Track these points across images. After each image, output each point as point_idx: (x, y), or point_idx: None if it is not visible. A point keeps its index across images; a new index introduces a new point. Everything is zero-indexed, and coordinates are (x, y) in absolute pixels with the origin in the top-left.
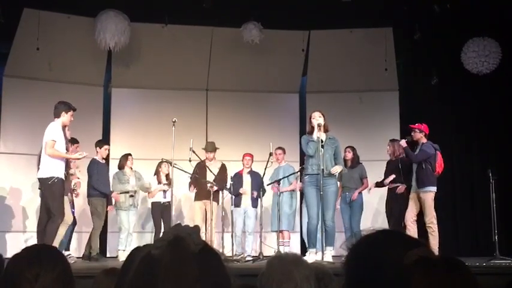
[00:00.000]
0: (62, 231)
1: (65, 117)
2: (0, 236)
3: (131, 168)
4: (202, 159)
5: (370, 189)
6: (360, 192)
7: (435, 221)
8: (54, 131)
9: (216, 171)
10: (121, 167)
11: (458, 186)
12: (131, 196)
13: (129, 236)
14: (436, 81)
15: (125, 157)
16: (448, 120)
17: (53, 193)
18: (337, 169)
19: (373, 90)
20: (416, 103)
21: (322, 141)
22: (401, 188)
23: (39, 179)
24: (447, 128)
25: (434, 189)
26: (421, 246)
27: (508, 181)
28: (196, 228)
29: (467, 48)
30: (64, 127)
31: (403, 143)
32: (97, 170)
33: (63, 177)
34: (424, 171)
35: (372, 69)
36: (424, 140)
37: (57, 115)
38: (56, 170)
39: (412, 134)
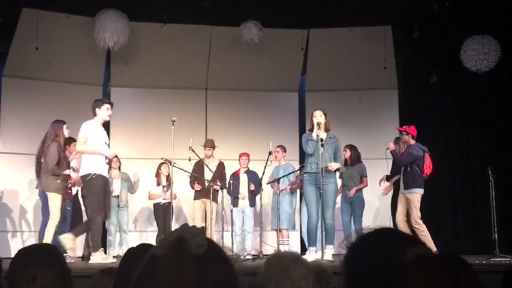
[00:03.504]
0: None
1: (101, 113)
2: None
3: (119, 169)
4: (202, 158)
5: (382, 181)
6: (360, 191)
7: (420, 221)
8: (85, 129)
9: (213, 169)
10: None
11: (458, 184)
12: (116, 197)
13: (123, 234)
14: (435, 79)
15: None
16: (448, 118)
17: (89, 189)
18: (333, 166)
19: (372, 89)
20: (416, 101)
21: (322, 140)
22: (387, 189)
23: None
24: (446, 126)
25: (420, 191)
26: (420, 244)
27: (508, 179)
28: (202, 230)
29: (466, 46)
30: (104, 123)
31: (391, 146)
32: None
33: (103, 174)
34: (410, 173)
35: (371, 68)
36: (412, 142)
37: (94, 114)
38: (94, 167)
39: (399, 136)
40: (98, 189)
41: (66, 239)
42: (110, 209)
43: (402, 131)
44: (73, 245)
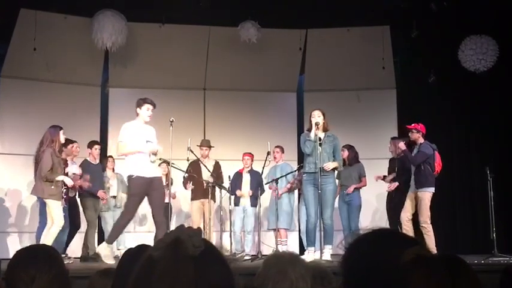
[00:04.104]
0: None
1: (141, 113)
2: None
3: (113, 170)
4: (198, 157)
5: (379, 178)
6: (358, 190)
7: (429, 221)
8: (122, 132)
9: (210, 169)
10: (103, 169)
11: (456, 184)
12: (113, 197)
13: (120, 235)
14: (433, 79)
15: (106, 159)
16: (446, 118)
17: (128, 191)
18: (329, 165)
19: (370, 89)
20: (414, 101)
21: (320, 139)
22: (392, 186)
23: None
24: (445, 126)
25: (432, 189)
26: (418, 245)
27: (507, 178)
28: (198, 231)
29: (464, 46)
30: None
31: (402, 145)
32: (89, 171)
33: (142, 175)
34: (423, 172)
35: (369, 68)
36: (422, 140)
37: (136, 114)
38: (132, 168)
39: (409, 134)
40: (133, 191)
41: (102, 248)
42: (161, 208)
43: (412, 128)
44: (108, 252)
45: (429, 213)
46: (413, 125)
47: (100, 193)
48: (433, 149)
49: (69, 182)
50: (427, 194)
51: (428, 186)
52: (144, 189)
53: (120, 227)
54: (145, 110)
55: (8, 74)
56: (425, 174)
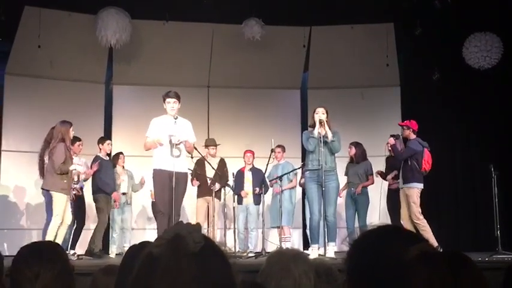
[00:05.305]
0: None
1: (166, 107)
2: (2, 233)
3: (123, 167)
4: (203, 155)
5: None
6: (366, 187)
7: (421, 216)
8: (149, 127)
9: (215, 166)
10: (113, 166)
11: (460, 181)
12: (123, 194)
13: (126, 232)
14: (437, 76)
15: (117, 156)
16: (450, 115)
17: (153, 185)
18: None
19: (374, 86)
20: (418, 98)
21: (322, 137)
22: (392, 182)
23: None
24: (449, 123)
25: (419, 185)
26: (422, 241)
27: (510, 176)
28: (198, 227)
29: (469, 43)
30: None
31: (391, 140)
32: (101, 167)
33: (163, 168)
34: (409, 168)
35: (373, 65)
36: (412, 137)
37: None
38: (155, 163)
39: (401, 131)
40: (156, 184)
41: None
42: (173, 204)
43: (403, 125)
44: None
45: (419, 209)
46: (405, 121)
47: (114, 194)
48: (423, 146)
49: (82, 170)
50: (414, 191)
51: (414, 182)
52: (165, 181)
53: (159, 223)
54: (167, 104)
55: (13, 72)
56: (412, 170)
